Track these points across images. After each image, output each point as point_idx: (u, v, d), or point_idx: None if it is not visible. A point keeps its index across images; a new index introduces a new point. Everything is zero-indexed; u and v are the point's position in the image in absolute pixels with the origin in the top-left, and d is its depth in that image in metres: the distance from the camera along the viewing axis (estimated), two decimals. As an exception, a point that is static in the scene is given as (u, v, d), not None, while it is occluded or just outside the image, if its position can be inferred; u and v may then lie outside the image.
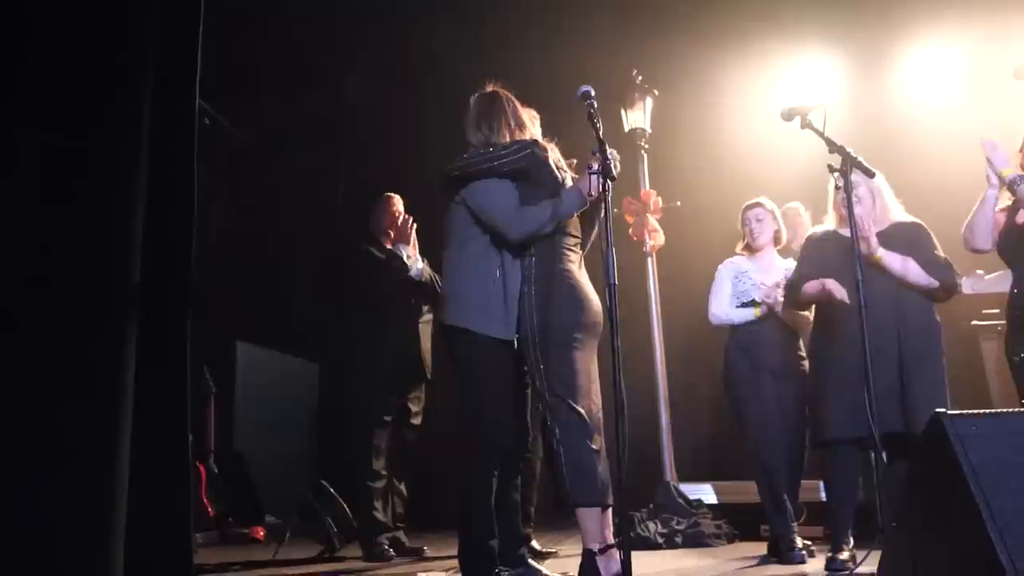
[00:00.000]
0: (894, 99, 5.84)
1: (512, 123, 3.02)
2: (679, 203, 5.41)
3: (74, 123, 2.16)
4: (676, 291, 5.36)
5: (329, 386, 6.86)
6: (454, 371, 2.95)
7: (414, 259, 4.06)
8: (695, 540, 4.31)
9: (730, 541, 4.41)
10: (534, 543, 3.87)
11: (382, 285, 4.03)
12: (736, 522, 4.55)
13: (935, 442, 2.02)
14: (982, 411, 2.05)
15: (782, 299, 3.60)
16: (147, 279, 2.17)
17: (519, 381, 2.96)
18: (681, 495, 4.73)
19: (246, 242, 6.37)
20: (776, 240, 3.87)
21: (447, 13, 5.57)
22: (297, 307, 6.50)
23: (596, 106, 2.72)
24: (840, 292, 3.17)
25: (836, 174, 2.97)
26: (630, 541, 2.62)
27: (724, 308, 3.81)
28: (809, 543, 3.66)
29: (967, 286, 4.45)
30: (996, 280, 4.48)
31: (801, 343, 3.74)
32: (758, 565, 3.52)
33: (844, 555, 3.18)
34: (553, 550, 4.04)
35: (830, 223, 3.51)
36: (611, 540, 2.69)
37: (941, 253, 3.29)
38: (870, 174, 2.99)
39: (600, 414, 2.80)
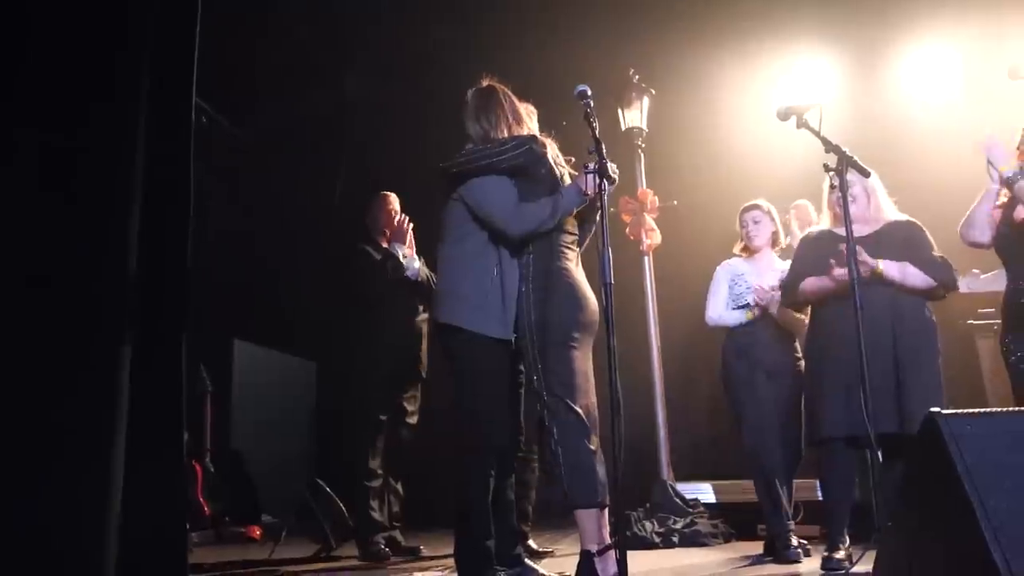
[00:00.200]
0: (891, 98, 5.85)
1: (510, 117, 3.01)
2: (676, 202, 5.41)
3: (70, 123, 2.16)
4: (673, 290, 5.37)
5: (326, 385, 6.87)
6: (449, 370, 2.94)
7: (410, 258, 4.06)
8: (692, 539, 4.31)
9: (727, 540, 4.41)
10: (531, 542, 3.87)
11: (378, 285, 4.03)
12: (733, 521, 4.56)
13: (930, 441, 2.02)
14: (977, 410, 2.05)
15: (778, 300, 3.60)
16: (143, 278, 2.16)
17: (514, 380, 2.95)
18: (678, 494, 4.73)
19: (244, 241, 6.36)
20: (774, 242, 3.87)
21: (445, 12, 5.58)
22: (294, 306, 6.50)
23: (593, 105, 2.72)
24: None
25: (831, 173, 2.98)
26: (627, 540, 2.62)
27: (720, 311, 3.82)
28: (805, 542, 3.67)
29: (963, 285, 4.45)
30: (992, 279, 4.50)
31: (797, 344, 3.75)
32: (754, 564, 3.53)
33: (840, 554, 3.19)
34: (549, 549, 4.04)
35: (825, 222, 3.52)
36: (608, 540, 2.69)
37: (937, 252, 3.30)
38: (865, 173, 3.00)
39: (596, 413, 2.80)
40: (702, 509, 4.66)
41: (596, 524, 2.68)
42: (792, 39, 5.75)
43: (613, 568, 2.60)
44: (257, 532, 5.26)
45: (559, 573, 2.98)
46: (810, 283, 3.36)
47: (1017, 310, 3.20)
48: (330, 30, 5.71)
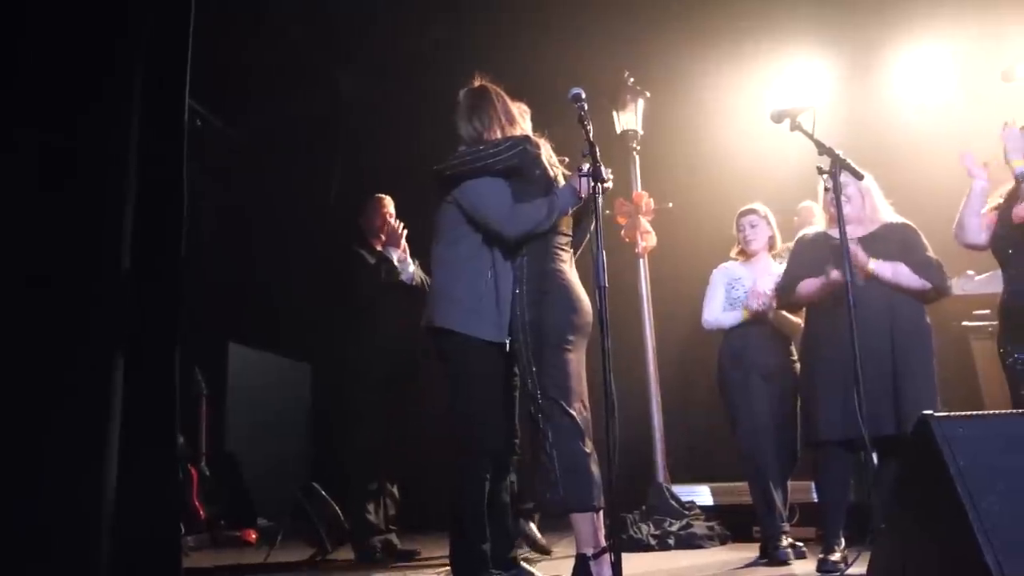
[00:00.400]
0: (886, 100, 5.85)
1: (503, 118, 3.00)
2: (671, 204, 5.41)
3: (63, 123, 2.16)
4: (668, 292, 5.36)
5: (321, 388, 6.85)
6: (443, 373, 2.93)
7: (405, 263, 4.05)
8: (687, 542, 4.31)
9: (723, 543, 4.41)
10: (536, 532, 3.84)
11: (372, 288, 4.02)
12: (729, 523, 4.55)
13: (922, 444, 2.02)
14: (969, 413, 2.06)
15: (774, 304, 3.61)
16: (136, 279, 2.16)
17: (509, 383, 2.94)
18: (674, 497, 4.73)
19: (238, 242, 6.36)
20: (770, 246, 3.87)
21: (439, 12, 5.58)
22: (289, 308, 6.49)
23: (587, 108, 2.72)
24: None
25: (825, 175, 2.98)
26: (623, 543, 2.62)
27: (716, 313, 3.81)
28: (800, 544, 3.67)
29: (957, 287, 4.46)
30: (986, 281, 4.50)
31: (792, 347, 3.75)
32: (749, 566, 3.52)
33: (835, 556, 3.18)
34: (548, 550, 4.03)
35: (821, 224, 3.52)
36: (604, 543, 2.68)
37: (932, 254, 3.30)
38: (858, 176, 3.01)
39: (590, 415, 2.80)
40: (698, 511, 4.66)
41: (592, 527, 2.68)
42: (787, 41, 5.75)
43: (608, 571, 2.59)
44: (253, 536, 5.25)
45: (554, 576, 2.98)
46: (805, 285, 3.36)
47: (1015, 312, 3.20)
48: (324, 30, 5.71)
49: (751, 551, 3.84)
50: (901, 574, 2.13)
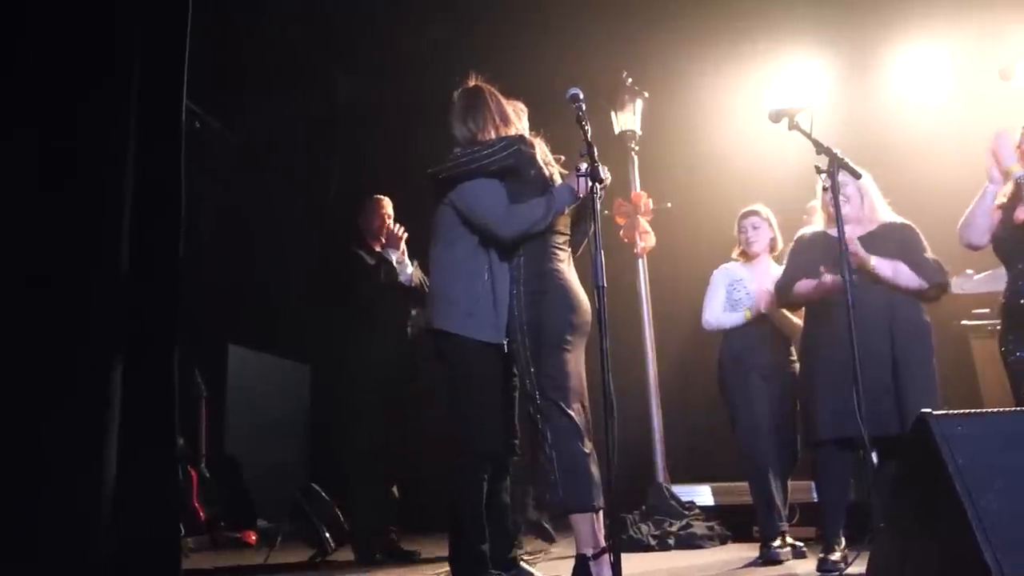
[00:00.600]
0: (884, 99, 5.85)
1: (497, 118, 3.00)
2: (670, 204, 5.41)
3: (63, 123, 2.16)
4: (667, 292, 5.37)
5: (320, 389, 6.84)
6: (442, 374, 2.93)
7: (404, 264, 4.05)
8: (687, 542, 4.31)
9: (723, 543, 4.41)
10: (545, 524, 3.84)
11: (371, 289, 4.02)
12: (729, 523, 4.55)
13: (921, 442, 2.02)
14: (967, 411, 2.05)
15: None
16: (134, 280, 2.16)
17: (507, 384, 2.94)
18: (673, 497, 4.73)
19: (237, 243, 6.35)
20: (771, 247, 3.87)
21: (438, 13, 5.58)
22: (288, 309, 6.49)
23: (585, 108, 2.72)
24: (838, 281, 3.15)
25: (824, 175, 2.98)
26: (622, 543, 2.62)
27: (717, 314, 3.81)
28: (800, 544, 3.67)
29: (957, 286, 4.46)
30: (986, 280, 4.50)
31: (792, 347, 3.75)
32: (749, 566, 3.52)
33: (835, 556, 3.18)
34: (545, 546, 4.04)
35: (819, 223, 3.52)
36: (604, 544, 2.67)
37: (931, 254, 3.30)
38: (856, 175, 3.01)
39: (589, 415, 2.79)
40: (698, 511, 4.66)
41: (591, 527, 2.67)
42: (785, 41, 5.75)
43: (608, 571, 2.58)
44: (252, 537, 5.24)
45: (553, 576, 2.98)
46: (803, 285, 3.36)
47: (1017, 310, 3.19)
48: (322, 30, 5.71)
49: (751, 551, 3.84)
50: (901, 573, 2.13)
